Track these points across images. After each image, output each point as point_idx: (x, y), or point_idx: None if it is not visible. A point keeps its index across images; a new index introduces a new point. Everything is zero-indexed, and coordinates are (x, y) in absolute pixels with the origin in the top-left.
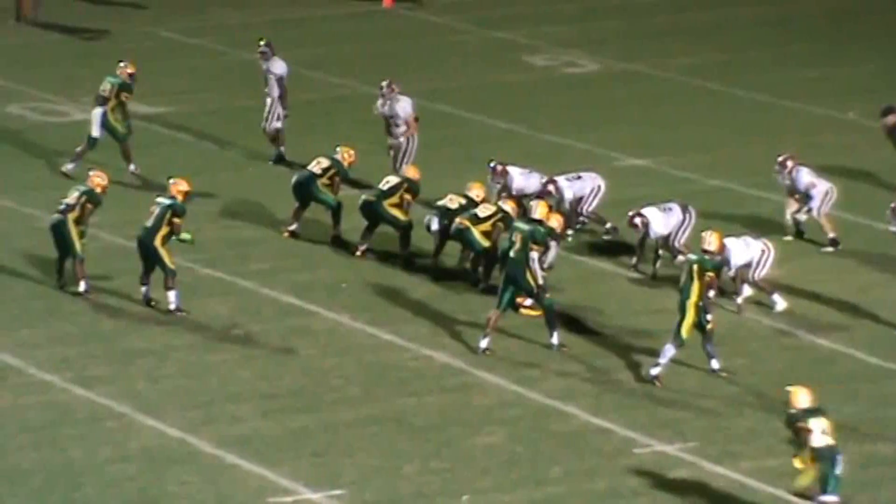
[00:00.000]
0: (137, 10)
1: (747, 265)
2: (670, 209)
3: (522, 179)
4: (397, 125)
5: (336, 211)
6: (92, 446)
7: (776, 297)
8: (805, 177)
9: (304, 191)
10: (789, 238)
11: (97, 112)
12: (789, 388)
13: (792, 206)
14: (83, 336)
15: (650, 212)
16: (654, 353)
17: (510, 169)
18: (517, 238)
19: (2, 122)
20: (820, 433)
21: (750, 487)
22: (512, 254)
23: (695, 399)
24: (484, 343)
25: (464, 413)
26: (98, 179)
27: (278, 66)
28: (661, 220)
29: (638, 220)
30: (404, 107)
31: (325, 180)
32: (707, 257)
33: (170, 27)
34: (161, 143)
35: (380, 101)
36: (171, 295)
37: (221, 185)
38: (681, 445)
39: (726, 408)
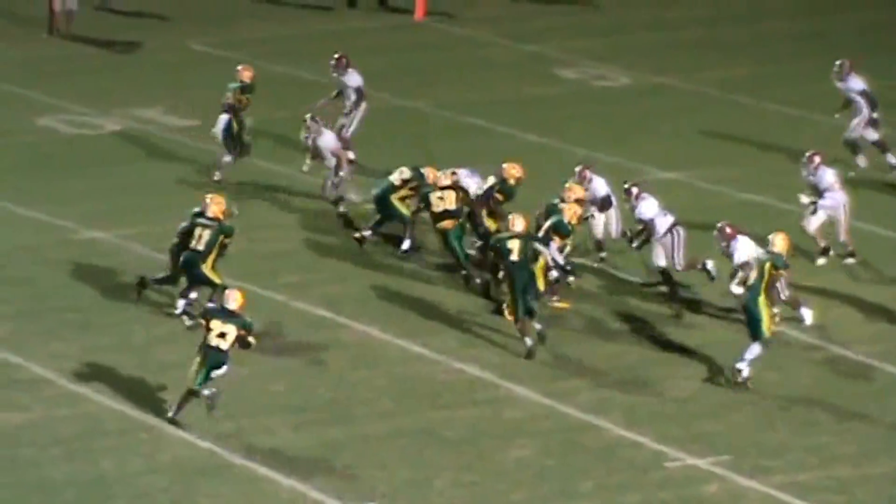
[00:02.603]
0: (168, 23)
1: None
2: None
3: (466, 179)
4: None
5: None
6: (123, 458)
7: (804, 310)
8: (829, 177)
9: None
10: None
11: (222, 118)
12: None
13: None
14: (115, 348)
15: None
16: (686, 366)
17: (459, 171)
18: (514, 246)
19: (35, 134)
20: None
21: (782, 502)
22: (515, 258)
23: (726, 413)
24: (528, 342)
25: (495, 426)
26: (216, 207)
27: (353, 79)
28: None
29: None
30: (327, 141)
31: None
32: (778, 256)
33: (200, 40)
34: (192, 156)
35: (303, 135)
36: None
37: (251, 198)
38: (712, 459)
39: (758, 422)
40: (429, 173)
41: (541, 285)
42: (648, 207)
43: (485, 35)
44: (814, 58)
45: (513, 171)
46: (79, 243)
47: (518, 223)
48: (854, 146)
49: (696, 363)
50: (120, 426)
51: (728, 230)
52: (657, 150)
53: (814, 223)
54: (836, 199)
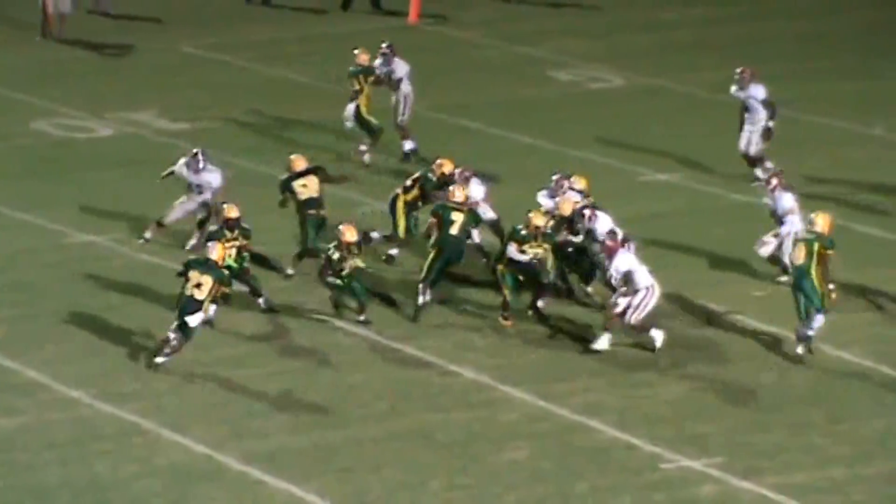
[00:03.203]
0: (161, 26)
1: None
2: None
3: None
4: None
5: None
6: (118, 462)
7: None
8: (787, 202)
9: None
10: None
11: (350, 107)
12: None
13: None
14: (109, 352)
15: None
16: (679, 368)
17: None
18: (458, 219)
19: (28, 138)
20: None
21: (776, 503)
22: (455, 232)
23: (720, 414)
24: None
25: (489, 429)
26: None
27: (401, 68)
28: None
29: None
30: (213, 178)
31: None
32: (825, 237)
33: (193, 43)
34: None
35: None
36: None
37: (247, 200)
38: (707, 461)
39: (752, 423)
40: (440, 167)
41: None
42: (603, 225)
43: (478, 37)
44: (809, 59)
45: (442, 168)
46: (72, 247)
47: (458, 194)
48: (757, 160)
49: (690, 365)
50: (114, 430)
51: (609, 243)
52: (651, 152)
53: (769, 250)
54: (795, 225)
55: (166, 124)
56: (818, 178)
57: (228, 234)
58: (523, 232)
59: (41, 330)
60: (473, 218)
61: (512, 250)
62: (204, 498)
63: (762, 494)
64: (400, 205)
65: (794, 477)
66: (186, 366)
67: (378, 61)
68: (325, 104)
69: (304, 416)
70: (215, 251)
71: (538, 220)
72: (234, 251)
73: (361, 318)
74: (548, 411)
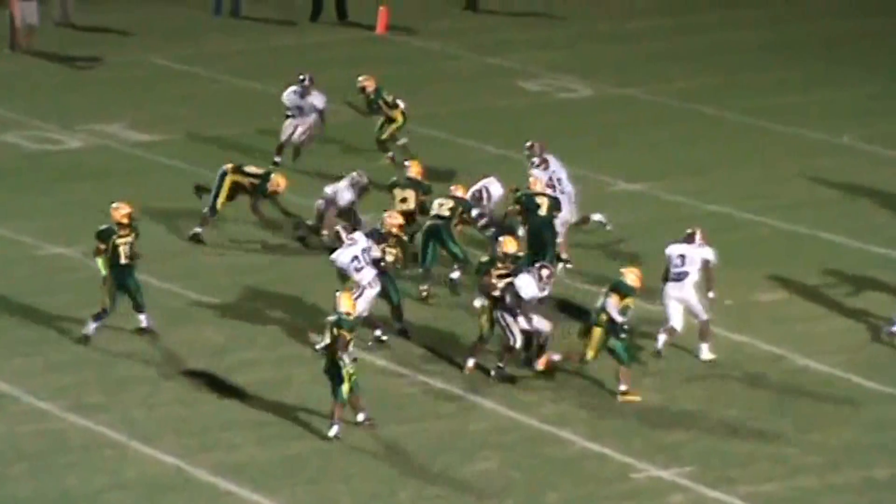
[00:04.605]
0: (130, 38)
1: None
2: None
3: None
4: None
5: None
6: (88, 474)
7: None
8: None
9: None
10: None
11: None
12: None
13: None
14: (78, 364)
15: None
16: (650, 377)
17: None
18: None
19: None
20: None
21: None
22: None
23: (691, 423)
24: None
25: (459, 439)
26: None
27: (318, 100)
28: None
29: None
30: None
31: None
32: None
33: (162, 55)
34: (154, 171)
35: None
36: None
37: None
38: (677, 470)
39: (723, 432)
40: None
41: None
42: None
43: (447, 48)
44: (776, 69)
45: (457, 192)
46: (42, 259)
47: (414, 169)
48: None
49: (660, 374)
50: (84, 442)
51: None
52: (621, 162)
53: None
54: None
55: (136, 136)
56: (787, 186)
57: (122, 232)
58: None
59: (11, 342)
60: (555, 204)
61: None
62: None
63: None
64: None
65: (765, 486)
66: (155, 378)
67: (292, 90)
68: None
69: (273, 427)
70: (121, 214)
71: (509, 248)
72: (127, 247)
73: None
74: (517, 421)
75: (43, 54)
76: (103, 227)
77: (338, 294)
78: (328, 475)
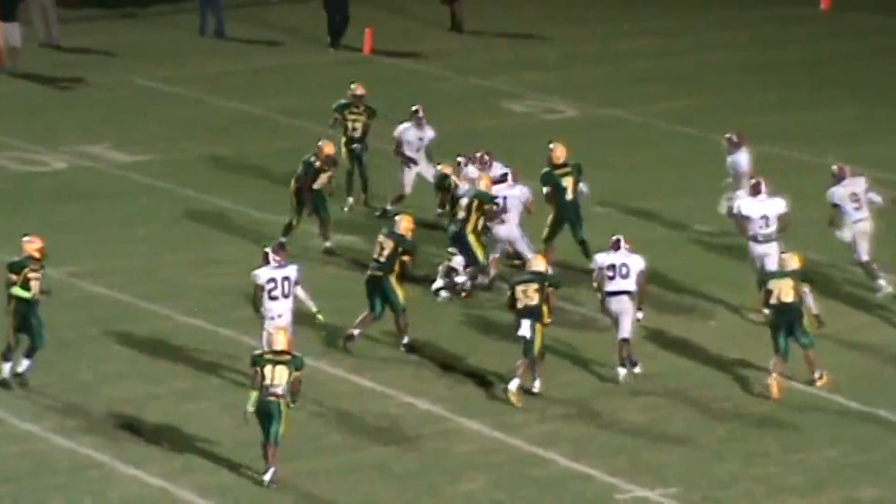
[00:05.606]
0: (115, 59)
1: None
2: None
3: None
4: None
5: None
6: (73, 496)
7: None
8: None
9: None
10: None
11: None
12: None
13: None
14: (62, 385)
15: None
16: (635, 397)
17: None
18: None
19: None
20: None
21: None
22: None
23: (676, 444)
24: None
25: (444, 460)
26: (405, 223)
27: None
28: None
29: None
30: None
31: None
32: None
33: (146, 75)
34: (139, 192)
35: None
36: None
37: (201, 234)
38: (662, 491)
39: (708, 452)
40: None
41: None
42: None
43: (433, 69)
44: (762, 90)
45: (326, 148)
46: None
47: (403, 224)
48: None
49: (646, 394)
50: (69, 464)
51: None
52: (607, 183)
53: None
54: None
55: (121, 157)
56: None
57: None
58: None
59: None
60: (578, 171)
61: None
62: None
63: None
64: (472, 238)
65: None
66: (140, 399)
67: (407, 126)
68: (278, 136)
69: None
70: (34, 247)
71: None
72: (37, 282)
73: (404, 340)
74: (503, 442)
75: (28, 76)
76: (16, 258)
77: (273, 330)
78: (313, 497)
